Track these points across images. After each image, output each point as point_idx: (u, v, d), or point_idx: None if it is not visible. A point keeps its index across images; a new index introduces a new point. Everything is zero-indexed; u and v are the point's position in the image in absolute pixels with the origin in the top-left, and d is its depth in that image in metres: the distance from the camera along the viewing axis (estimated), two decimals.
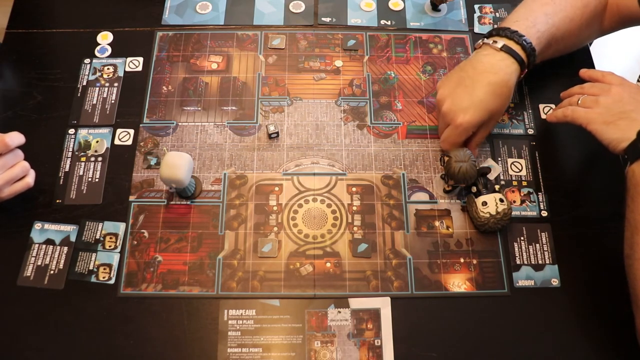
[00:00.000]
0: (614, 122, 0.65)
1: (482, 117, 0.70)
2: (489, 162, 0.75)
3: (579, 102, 0.69)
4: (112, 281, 0.68)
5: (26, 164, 0.68)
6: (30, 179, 0.68)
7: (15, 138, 0.65)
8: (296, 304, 0.67)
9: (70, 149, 0.76)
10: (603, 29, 0.80)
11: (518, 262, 0.70)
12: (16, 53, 0.84)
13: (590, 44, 0.91)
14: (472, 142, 0.74)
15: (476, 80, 0.70)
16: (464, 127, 0.70)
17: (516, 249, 0.71)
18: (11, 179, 0.66)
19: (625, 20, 0.77)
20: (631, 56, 0.82)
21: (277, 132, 0.77)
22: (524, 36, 0.71)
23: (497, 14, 0.88)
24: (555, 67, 0.84)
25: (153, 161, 0.75)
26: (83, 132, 0.77)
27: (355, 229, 0.71)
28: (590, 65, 0.84)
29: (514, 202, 0.73)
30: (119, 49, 0.84)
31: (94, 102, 0.79)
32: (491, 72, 0.70)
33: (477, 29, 0.87)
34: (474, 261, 0.70)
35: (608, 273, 0.70)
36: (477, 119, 0.70)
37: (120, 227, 0.71)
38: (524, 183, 0.75)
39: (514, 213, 0.72)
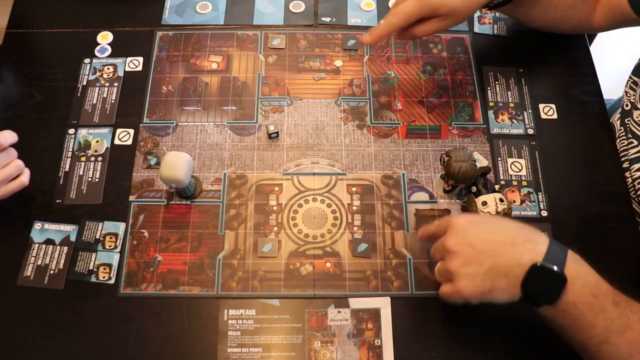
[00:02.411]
0: (493, 288, 0.56)
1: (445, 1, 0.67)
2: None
3: (437, 274, 0.62)
4: (112, 281, 0.68)
5: (20, 163, 0.67)
6: (24, 178, 0.68)
7: (8, 137, 0.65)
8: (296, 303, 0.67)
9: (70, 149, 0.76)
10: (593, 20, 0.79)
11: None
12: (16, 53, 0.84)
13: (590, 43, 0.91)
14: (417, 29, 0.70)
15: None
16: (424, 1, 0.67)
17: None
18: (5, 178, 0.66)
19: (615, 14, 0.77)
20: (631, 55, 0.82)
21: (277, 132, 0.77)
22: None
23: (497, 14, 0.88)
24: (556, 67, 0.84)
25: (153, 161, 0.75)
26: (83, 132, 0.77)
27: (355, 228, 0.71)
28: (590, 64, 0.84)
29: (514, 202, 0.73)
30: (119, 49, 0.84)
31: (94, 102, 0.79)
32: None
33: (477, 28, 0.87)
34: None
35: (608, 273, 0.69)
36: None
37: (120, 227, 0.71)
38: (524, 183, 0.75)
39: (514, 213, 0.71)
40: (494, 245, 0.57)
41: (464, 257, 0.57)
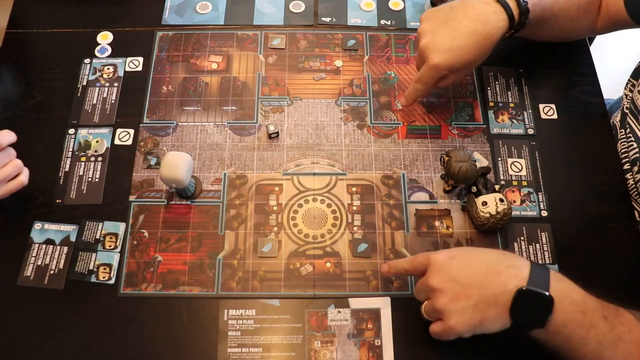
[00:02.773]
0: (479, 322, 0.56)
1: (457, 64, 0.70)
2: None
3: (425, 314, 0.61)
4: (112, 281, 0.67)
5: (19, 162, 0.67)
6: (24, 177, 0.67)
7: (7, 136, 0.64)
8: (296, 304, 0.67)
9: (70, 149, 0.76)
10: (596, 26, 0.79)
11: None
12: (16, 53, 0.84)
13: (591, 43, 0.91)
14: (439, 84, 0.74)
15: (463, 25, 0.69)
16: (438, 69, 0.70)
17: (516, 249, 0.70)
18: (4, 177, 0.65)
19: (614, 21, 0.77)
20: (631, 55, 0.82)
21: (277, 132, 0.77)
22: None
23: None
24: (555, 67, 0.84)
25: (153, 161, 0.75)
26: (83, 132, 0.77)
27: (355, 228, 0.71)
28: (590, 64, 0.84)
29: (514, 202, 0.73)
30: (119, 49, 0.84)
31: (94, 102, 0.79)
32: (480, 21, 0.69)
33: None
34: None
35: (608, 273, 0.70)
36: (452, 65, 0.69)
37: (120, 227, 0.71)
38: (524, 183, 0.75)
39: (514, 213, 0.71)
40: (478, 277, 0.56)
41: (450, 294, 0.56)
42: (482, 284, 0.56)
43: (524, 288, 0.54)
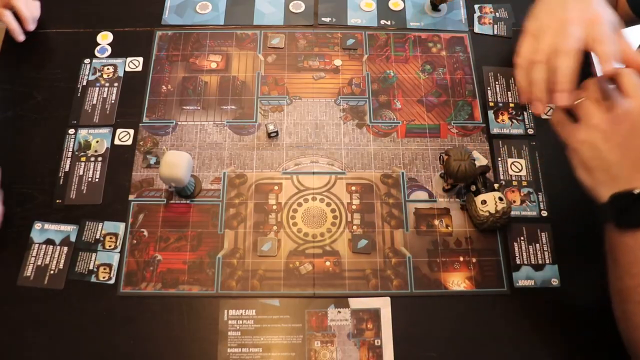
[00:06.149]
0: (593, 170, 0.56)
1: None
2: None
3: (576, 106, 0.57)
4: (112, 281, 0.68)
5: None
6: None
7: None
8: (296, 304, 0.67)
9: (70, 149, 0.76)
10: None
11: (518, 262, 0.70)
12: (16, 53, 0.84)
13: None
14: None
15: None
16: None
17: (516, 249, 0.70)
18: None
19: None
20: None
21: (277, 131, 0.77)
22: None
23: (497, 14, 0.88)
24: None
25: (153, 160, 0.75)
26: (83, 132, 0.77)
27: (354, 227, 0.71)
28: (590, 64, 0.84)
29: (514, 202, 0.73)
30: (119, 49, 0.84)
31: (94, 102, 0.79)
32: None
33: (477, 29, 0.87)
34: (474, 260, 0.69)
35: (608, 273, 0.69)
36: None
37: (120, 227, 0.71)
38: (524, 183, 0.75)
39: (513, 213, 0.71)
40: (636, 152, 0.53)
41: (613, 139, 0.53)
42: (631, 158, 0.53)
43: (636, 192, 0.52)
